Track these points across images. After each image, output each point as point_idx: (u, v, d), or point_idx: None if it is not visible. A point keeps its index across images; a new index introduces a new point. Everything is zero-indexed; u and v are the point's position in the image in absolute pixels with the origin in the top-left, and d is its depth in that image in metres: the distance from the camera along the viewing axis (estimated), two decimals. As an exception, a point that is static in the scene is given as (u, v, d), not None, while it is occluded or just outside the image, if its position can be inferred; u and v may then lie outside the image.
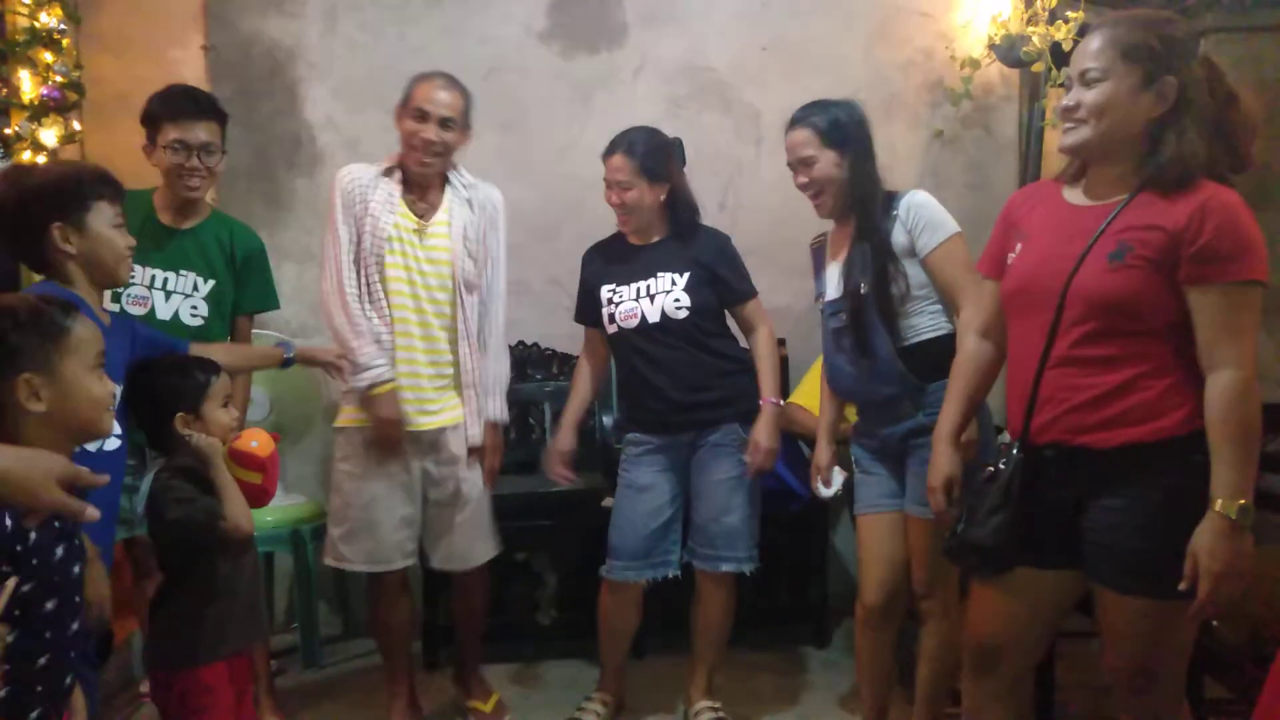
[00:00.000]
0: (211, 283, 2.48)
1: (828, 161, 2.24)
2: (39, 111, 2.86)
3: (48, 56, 2.89)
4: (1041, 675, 2.31)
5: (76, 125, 2.93)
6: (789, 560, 3.21)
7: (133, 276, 2.38)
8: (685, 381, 2.52)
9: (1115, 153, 1.67)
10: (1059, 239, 1.70)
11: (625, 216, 2.56)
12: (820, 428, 2.50)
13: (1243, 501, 1.53)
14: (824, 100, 2.29)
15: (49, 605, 1.37)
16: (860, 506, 2.35)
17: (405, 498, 2.53)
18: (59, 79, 2.89)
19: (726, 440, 2.54)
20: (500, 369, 2.62)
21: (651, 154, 2.52)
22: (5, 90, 2.85)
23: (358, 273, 2.47)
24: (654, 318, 2.52)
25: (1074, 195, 1.76)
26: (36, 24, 2.88)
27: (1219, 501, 1.54)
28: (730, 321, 2.65)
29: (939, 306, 2.21)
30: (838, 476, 2.46)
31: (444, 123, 2.43)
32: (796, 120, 2.28)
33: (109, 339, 1.78)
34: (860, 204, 2.25)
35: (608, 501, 2.83)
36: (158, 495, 1.84)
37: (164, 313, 2.42)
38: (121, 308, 2.37)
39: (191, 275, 2.46)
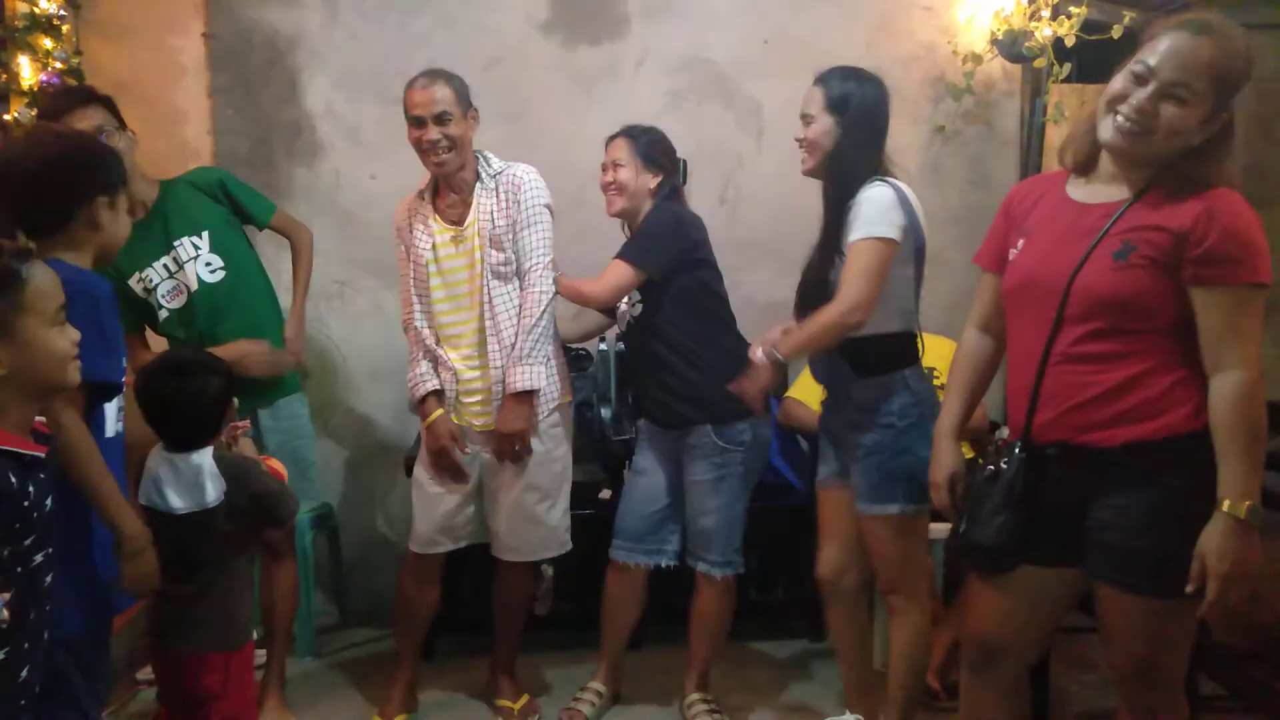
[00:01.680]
0: (206, 234, 2.52)
1: (822, 125, 2.22)
2: (38, 98, 2.85)
3: (47, 43, 2.89)
4: (1037, 671, 2.31)
5: (76, 112, 2.92)
6: (785, 554, 3.21)
7: (153, 280, 2.50)
8: (655, 377, 2.55)
9: (1146, 159, 1.64)
10: (1063, 237, 1.69)
11: (613, 197, 2.56)
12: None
13: (1251, 502, 1.53)
14: (852, 69, 2.24)
15: (31, 615, 1.37)
16: (819, 481, 2.40)
17: (460, 486, 2.55)
18: (58, 65, 2.89)
19: (700, 443, 2.52)
20: (523, 342, 2.46)
21: (651, 143, 2.57)
22: (4, 76, 2.85)
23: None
24: (630, 317, 2.57)
25: (1078, 191, 1.74)
26: (36, 10, 2.88)
27: (1227, 502, 1.54)
28: (732, 314, 2.65)
29: (890, 305, 2.16)
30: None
31: (439, 118, 2.43)
32: (818, 77, 2.26)
33: None
34: (832, 181, 2.23)
35: (605, 493, 2.83)
36: (241, 468, 1.92)
37: (191, 282, 2.51)
38: (168, 309, 2.51)
39: (186, 240, 2.51)
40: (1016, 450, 1.72)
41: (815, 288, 2.21)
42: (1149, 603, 1.64)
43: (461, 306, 2.53)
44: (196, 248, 2.51)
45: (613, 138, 2.61)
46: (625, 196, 2.55)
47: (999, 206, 1.90)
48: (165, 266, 2.51)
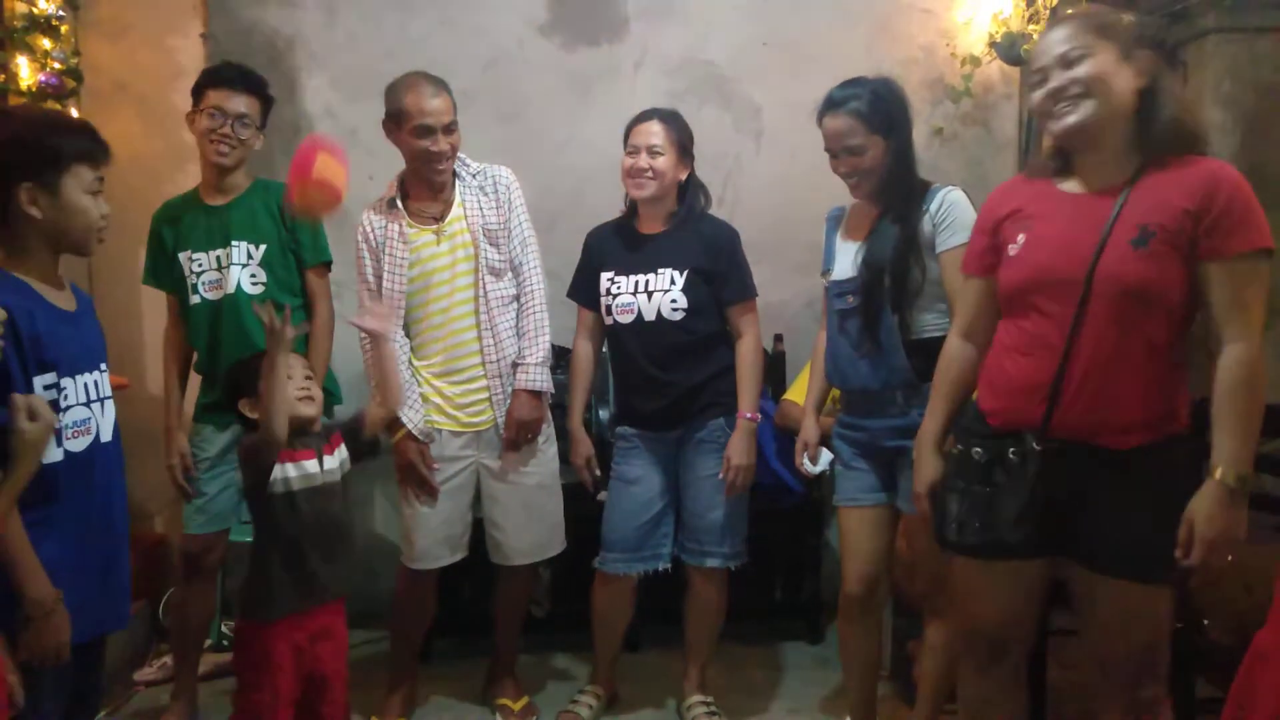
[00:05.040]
0: (263, 247, 2.56)
1: (876, 149, 2.17)
2: (37, 98, 2.85)
3: (46, 43, 2.89)
4: (1033, 674, 2.31)
5: (74, 112, 2.92)
6: (783, 556, 3.21)
7: (200, 267, 2.53)
8: (678, 380, 2.52)
9: (1111, 131, 1.67)
10: (1071, 227, 1.69)
11: (645, 182, 2.50)
12: (807, 405, 2.48)
13: (1242, 471, 1.57)
14: (861, 79, 2.20)
15: None
16: (841, 499, 2.34)
17: (452, 499, 2.56)
18: (57, 66, 2.88)
19: (712, 436, 2.54)
20: (540, 343, 2.57)
21: (684, 130, 2.54)
22: (3, 77, 2.85)
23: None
24: (650, 316, 2.51)
25: (1070, 187, 1.75)
26: (35, 10, 2.87)
27: (1219, 470, 1.58)
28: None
29: (946, 305, 2.17)
30: (824, 454, 2.44)
31: (449, 129, 2.45)
32: (837, 104, 2.17)
33: (81, 323, 1.74)
34: (894, 186, 2.20)
35: (602, 495, 2.83)
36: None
37: (229, 286, 2.53)
38: (201, 297, 2.53)
39: (244, 244, 2.55)
40: (1033, 444, 1.70)
41: (893, 293, 2.15)
42: (1145, 590, 1.67)
43: (454, 303, 2.52)
44: (249, 256, 2.54)
45: (642, 120, 2.52)
46: (660, 185, 2.50)
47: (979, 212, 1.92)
48: (216, 259, 2.54)
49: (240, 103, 2.51)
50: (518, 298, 2.59)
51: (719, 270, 2.53)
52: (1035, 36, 3.10)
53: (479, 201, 2.54)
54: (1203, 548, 1.58)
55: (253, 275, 2.54)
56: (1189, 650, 2.10)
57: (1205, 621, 2.09)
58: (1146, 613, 1.69)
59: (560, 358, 3.28)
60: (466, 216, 2.52)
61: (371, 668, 3.01)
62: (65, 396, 1.66)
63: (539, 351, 2.56)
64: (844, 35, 3.41)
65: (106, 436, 1.76)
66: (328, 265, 2.69)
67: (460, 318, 2.53)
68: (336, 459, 2.13)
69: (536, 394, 2.56)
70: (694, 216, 2.58)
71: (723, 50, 3.45)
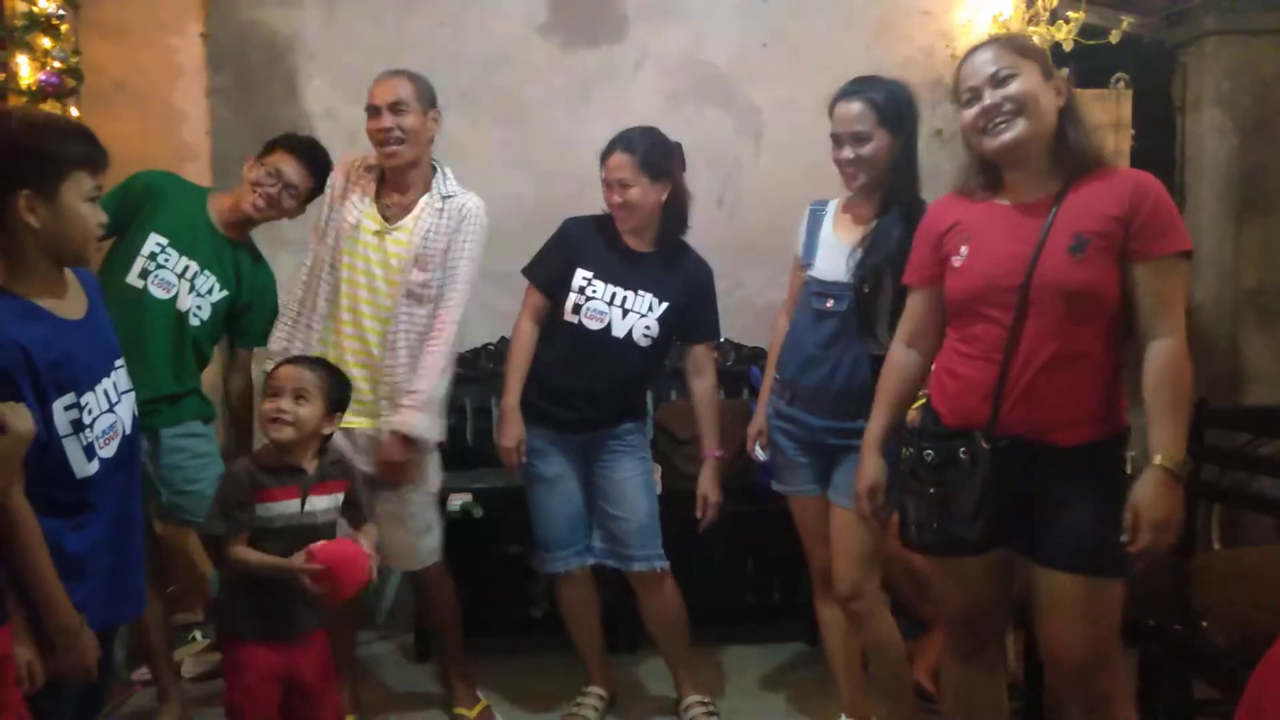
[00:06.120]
0: (224, 294, 2.57)
1: (881, 142, 2.17)
2: (37, 97, 2.85)
3: (46, 42, 2.89)
4: (1033, 678, 2.32)
5: (74, 111, 2.93)
6: (780, 557, 3.20)
7: (167, 261, 2.48)
8: (615, 393, 2.52)
9: (1038, 148, 1.76)
10: (1010, 239, 1.77)
11: (625, 215, 2.48)
12: (761, 393, 2.48)
13: (1180, 456, 1.65)
14: (877, 78, 2.23)
15: None
16: (789, 488, 2.38)
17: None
18: (57, 65, 2.88)
19: (627, 441, 2.55)
20: (424, 384, 2.38)
21: (652, 150, 2.46)
22: (3, 75, 2.85)
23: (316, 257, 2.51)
24: (619, 333, 2.47)
25: (1004, 200, 1.83)
26: (35, 9, 2.87)
27: (1159, 456, 1.66)
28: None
29: None
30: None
31: (395, 107, 2.41)
32: (851, 93, 2.18)
33: (94, 325, 1.70)
34: (896, 189, 2.20)
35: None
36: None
37: (182, 303, 2.50)
38: (146, 285, 2.46)
39: (213, 278, 2.55)
40: (982, 443, 1.76)
41: (893, 298, 2.13)
42: (1094, 583, 1.73)
43: (362, 299, 2.44)
44: (211, 291, 2.54)
45: (610, 152, 2.47)
46: (639, 216, 2.48)
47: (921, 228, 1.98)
48: (186, 268, 2.50)
49: (299, 175, 2.54)
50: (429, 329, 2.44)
51: (694, 309, 2.55)
52: (1035, 38, 3.11)
53: (432, 225, 2.45)
54: (1149, 530, 1.64)
55: (199, 308, 2.52)
56: (1186, 652, 2.10)
57: (1204, 623, 2.08)
58: (1093, 607, 1.74)
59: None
60: (413, 235, 2.44)
61: (368, 666, 3.02)
62: (89, 412, 1.63)
63: (423, 392, 2.36)
64: (843, 36, 3.42)
65: (129, 428, 1.74)
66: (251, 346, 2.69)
67: (365, 325, 2.44)
68: (328, 501, 2.05)
69: (414, 441, 2.39)
70: (677, 245, 2.57)
71: (722, 51, 3.45)
